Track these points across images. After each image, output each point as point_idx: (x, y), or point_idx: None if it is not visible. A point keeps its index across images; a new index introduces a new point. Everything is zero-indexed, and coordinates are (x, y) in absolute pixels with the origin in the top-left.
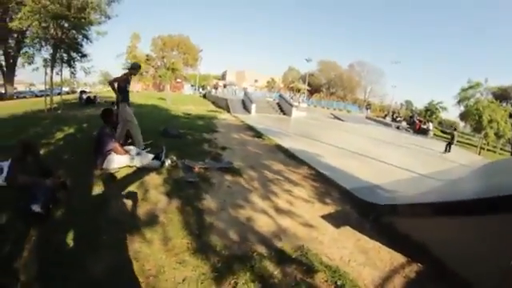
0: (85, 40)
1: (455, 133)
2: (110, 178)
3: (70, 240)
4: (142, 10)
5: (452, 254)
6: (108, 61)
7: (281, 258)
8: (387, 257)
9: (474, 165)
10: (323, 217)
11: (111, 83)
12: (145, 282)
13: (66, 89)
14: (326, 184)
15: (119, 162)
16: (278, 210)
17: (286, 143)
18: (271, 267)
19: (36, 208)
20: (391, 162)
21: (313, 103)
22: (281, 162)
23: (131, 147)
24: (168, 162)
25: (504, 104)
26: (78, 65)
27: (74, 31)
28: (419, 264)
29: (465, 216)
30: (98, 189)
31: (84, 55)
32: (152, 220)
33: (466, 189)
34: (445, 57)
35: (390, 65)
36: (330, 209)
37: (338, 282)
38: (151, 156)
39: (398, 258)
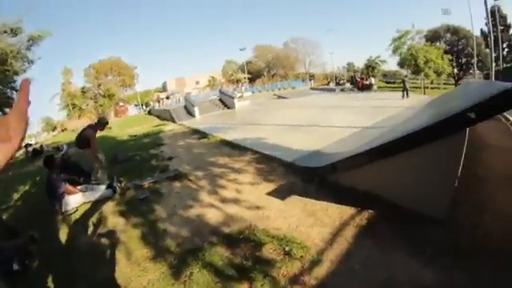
0: (14, 92)
1: (406, 79)
2: (70, 219)
3: (50, 284)
4: (66, 43)
5: (398, 192)
6: (44, 106)
7: (229, 241)
8: (336, 212)
9: (418, 105)
10: (269, 194)
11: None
12: None
13: None
14: (269, 163)
15: (75, 201)
16: (225, 200)
17: (230, 136)
18: (222, 251)
19: (15, 266)
20: (335, 124)
21: (257, 89)
22: (226, 155)
23: (80, 187)
24: (118, 188)
25: (437, 43)
26: None
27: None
28: (370, 211)
29: (397, 154)
30: (63, 232)
31: None
32: (117, 244)
33: (402, 129)
34: (374, 13)
35: (326, 34)
36: (274, 185)
37: (286, 248)
38: (103, 187)
39: (348, 211)
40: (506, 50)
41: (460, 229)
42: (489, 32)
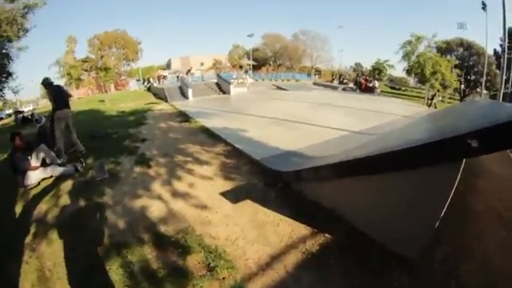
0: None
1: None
2: (29, 193)
3: None
4: (72, 11)
5: (366, 218)
6: (45, 73)
7: (160, 242)
8: (287, 230)
9: (417, 115)
10: (222, 193)
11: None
12: (43, 274)
13: (9, 111)
14: (237, 158)
15: (36, 177)
16: (175, 194)
17: (212, 123)
18: (146, 253)
19: None
20: (325, 123)
21: (260, 77)
22: (198, 143)
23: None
24: (80, 167)
25: (448, 56)
26: (5, 85)
27: None
28: (327, 235)
29: (373, 173)
30: (20, 204)
31: (9, 74)
32: (59, 223)
33: (390, 142)
34: (391, 17)
35: (336, 30)
36: (232, 184)
37: (212, 264)
38: (68, 166)
39: (301, 231)
40: None
41: (432, 276)
42: (503, 51)
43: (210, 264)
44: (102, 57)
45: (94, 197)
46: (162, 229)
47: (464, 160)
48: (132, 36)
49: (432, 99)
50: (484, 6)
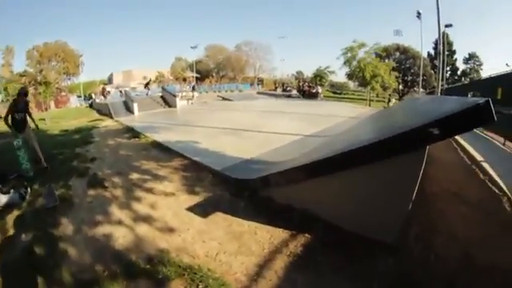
0: None
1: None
2: None
3: None
4: (8, 20)
5: (341, 213)
6: None
7: (134, 272)
8: (266, 236)
9: (362, 115)
10: (190, 209)
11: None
12: None
13: None
14: (197, 171)
15: None
16: (139, 216)
17: (163, 137)
18: (119, 286)
19: None
20: (276, 129)
21: (204, 89)
22: (153, 158)
23: None
24: (27, 194)
25: (386, 60)
26: None
27: None
28: (306, 235)
29: (341, 170)
30: None
31: None
32: (7, 264)
33: (347, 141)
34: (329, 24)
35: (278, 40)
36: (197, 198)
37: (200, 285)
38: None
39: (280, 235)
40: (448, 72)
41: (411, 254)
42: (438, 53)
43: (198, 286)
44: (41, 70)
45: (47, 228)
46: (133, 257)
47: (427, 147)
48: (73, 48)
49: (389, 101)
50: (419, 15)
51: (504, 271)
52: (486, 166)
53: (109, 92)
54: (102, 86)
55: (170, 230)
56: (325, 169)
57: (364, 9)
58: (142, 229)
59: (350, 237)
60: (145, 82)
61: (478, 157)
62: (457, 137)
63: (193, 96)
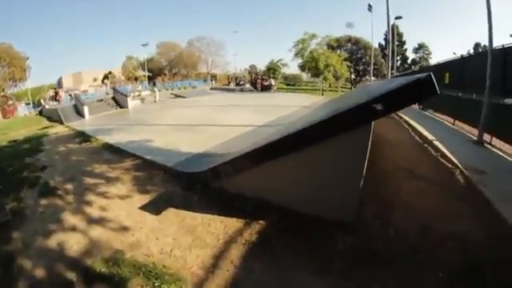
0: None
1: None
2: None
3: None
4: None
5: (294, 197)
6: None
7: (90, 277)
8: (220, 227)
9: (315, 104)
10: (142, 208)
11: None
12: None
13: None
14: (149, 169)
15: None
16: (93, 220)
17: (115, 139)
18: None
19: None
20: (229, 122)
21: (157, 88)
22: (104, 161)
23: None
24: None
25: (338, 51)
26: None
27: None
28: (261, 221)
29: (289, 153)
30: None
31: None
32: None
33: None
34: (283, 20)
35: (232, 35)
36: (150, 196)
37: (156, 283)
38: None
39: (234, 224)
40: (399, 61)
41: (370, 231)
42: (388, 43)
43: (154, 284)
44: None
45: (1, 244)
46: (89, 262)
47: (373, 123)
48: (18, 51)
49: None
50: (370, 8)
51: (461, 238)
52: (437, 143)
53: (60, 96)
54: (54, 90)
55: (124, 230)
56: (271, 153)
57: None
58: (96, 232)
59: (305, 220)
60: (95, 83)
61: (430, 136)
62: (408, 118)
63: (155, 93)
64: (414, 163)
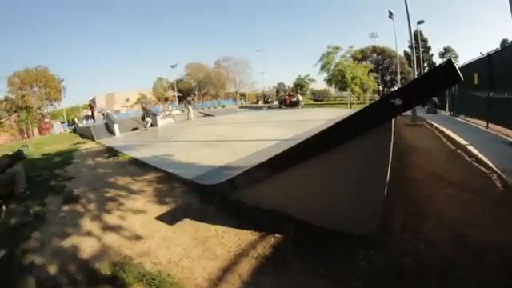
0: None
1: None
2: None
3: None
4: None
5: (312, 208)
6: None
7: (95, 279)
8: (233, 240)
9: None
10: (158, 218)
11: None
12: None
13: None
14: (170, 182)
15: None
16: (108, 227)
17: (141, 154)
18: None
19: None
20: (255, 137)
21: (191, 106)
22: (128, 174)
23: None
24: (2, 212)
25: (364, 62)
26: None
27: None
28: (276, 235)
29: (304, 161)
30: None
31: None
32: None
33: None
34: (307, 35)
35: (256, 54)
36: (168, 207)
37: None
38: None
39: (248, 237)
40: (426, 68)
41: (397, 245)
42: (412, 49)
43: None
44: (22, 96)
45: (17, 242)
46: (97, 265)
47: (393, 126)
48: (53, 73)
49: None
50: (391, 15)
51: (502, 248)
52: (471, 148)
53: (95, 110)
54: (89, 104)
55: (137, 239)
56: (288, 161)
57: (340, 14)
58: (110, 238)
59: (323, 233)
60: (127, 103)
61: (462, 141)
62: (439, 126)
63: (190, 112)
64: (446, 170)
